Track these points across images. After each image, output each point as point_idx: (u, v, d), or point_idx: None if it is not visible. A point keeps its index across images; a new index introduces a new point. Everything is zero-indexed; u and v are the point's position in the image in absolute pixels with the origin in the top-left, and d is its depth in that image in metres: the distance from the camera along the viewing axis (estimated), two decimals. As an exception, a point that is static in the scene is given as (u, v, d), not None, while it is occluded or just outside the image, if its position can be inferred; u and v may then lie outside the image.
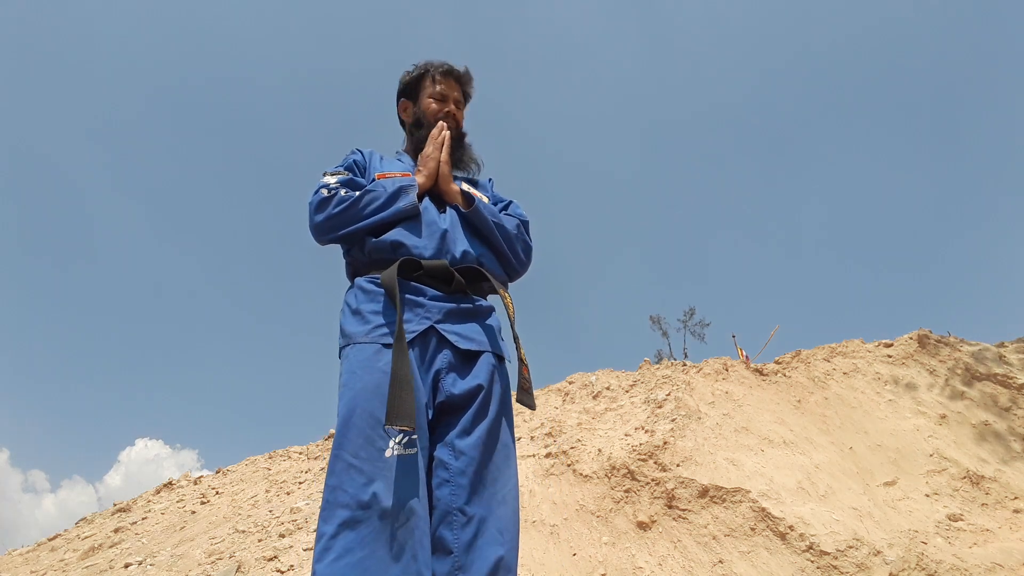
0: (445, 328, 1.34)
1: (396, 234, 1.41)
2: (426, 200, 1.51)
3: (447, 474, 1.23)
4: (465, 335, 1.37)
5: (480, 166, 1.72)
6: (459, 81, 1.70)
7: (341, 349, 1.34)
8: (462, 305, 1.40)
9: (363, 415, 1.19)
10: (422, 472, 1.20)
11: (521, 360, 1.43)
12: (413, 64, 1.73)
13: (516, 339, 1.46)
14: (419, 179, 1.50)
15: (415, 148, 1.67)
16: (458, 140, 1.66)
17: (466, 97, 1.73)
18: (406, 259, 1.37)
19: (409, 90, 1.71)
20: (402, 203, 1.43)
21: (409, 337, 1.28)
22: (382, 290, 1.34)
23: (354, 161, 1.59)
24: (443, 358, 1.31)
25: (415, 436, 1.20)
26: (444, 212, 1.53)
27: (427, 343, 1.31)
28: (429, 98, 1.68)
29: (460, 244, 1.47)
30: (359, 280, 1.40)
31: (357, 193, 1.42)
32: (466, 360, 1.35)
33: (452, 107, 1.66)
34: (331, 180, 1.48)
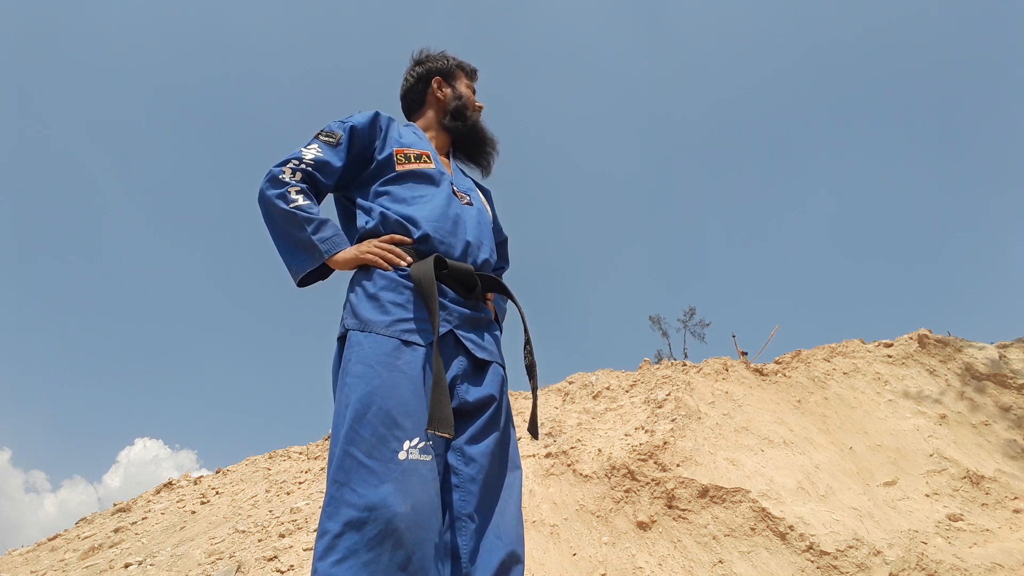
0: (462, 334, 1.32)
1: (426, 225, 1.36)
2: (451, 192, 1.47)
3: (457, 479, 1.22)
4: (479, 343, 1.36)
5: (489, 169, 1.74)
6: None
7: (350, 331, 1.27)
8: (476, 313, 1.39)
9: (379, 413, 1.13)
10: (437, 481, 1.14)
11: (534, 391, 1.46)
12: (423, 50, 1.73)
13: (534, 367, 1.47)
14: (346, 253, 1.34)
15: (441, 127, 1.67)
16: (484, 137, 1.69)
17: None
18: (438, 257, 1.32)
19: (444, 73, 1.70)
20: (296, 266, 1.34)
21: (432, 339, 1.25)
22: (408, 283, 1.29)
23: (363, 125, 1.48)
24: (459, 364, 1.29)
25: (431, 442, 1.15)
26: (471, 205, 1.51)
27: (445, 347, 1.28)
28: (469, 89, 1.72)
29: (485, 250, 1.46)
30: None
31: (291, 208, 1.32)
32: (477, 368, 1.34)
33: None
34: (308, 156, 1.39)
